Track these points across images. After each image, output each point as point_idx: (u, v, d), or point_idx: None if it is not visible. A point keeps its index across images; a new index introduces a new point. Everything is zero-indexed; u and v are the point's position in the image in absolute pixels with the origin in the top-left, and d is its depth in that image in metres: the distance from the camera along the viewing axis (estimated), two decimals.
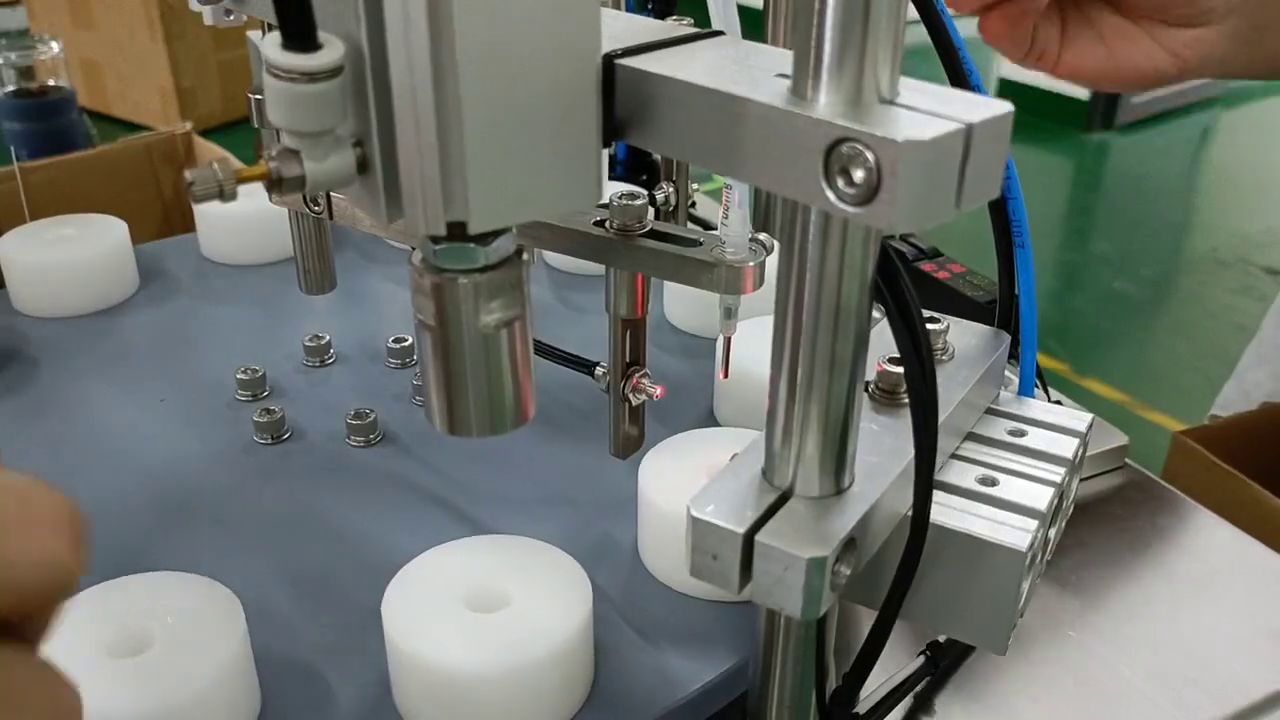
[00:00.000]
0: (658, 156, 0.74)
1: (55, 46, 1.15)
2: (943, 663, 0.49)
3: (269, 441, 0.57)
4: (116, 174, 1.07)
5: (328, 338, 0.65)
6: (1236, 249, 3.01)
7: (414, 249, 0.33)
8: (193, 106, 3.08)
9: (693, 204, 0.79)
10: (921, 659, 0.49)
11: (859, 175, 0.27)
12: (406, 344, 0.64)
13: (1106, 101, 3.82)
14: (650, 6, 0.84)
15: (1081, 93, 3.84)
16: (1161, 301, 2.82)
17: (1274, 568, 0.58)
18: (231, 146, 1.13)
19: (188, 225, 1.11)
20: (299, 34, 0.27)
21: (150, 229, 1.07)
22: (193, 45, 3.08)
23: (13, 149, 0.88)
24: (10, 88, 1.13)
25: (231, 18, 0.49)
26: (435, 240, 0.32)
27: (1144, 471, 0.65)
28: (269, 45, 0.28)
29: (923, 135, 0.26)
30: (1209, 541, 0.60)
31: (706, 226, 0.69)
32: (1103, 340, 2.63)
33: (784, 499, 0.34)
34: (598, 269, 0.71)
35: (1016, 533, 0.36)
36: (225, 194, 0.29)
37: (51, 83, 1.15)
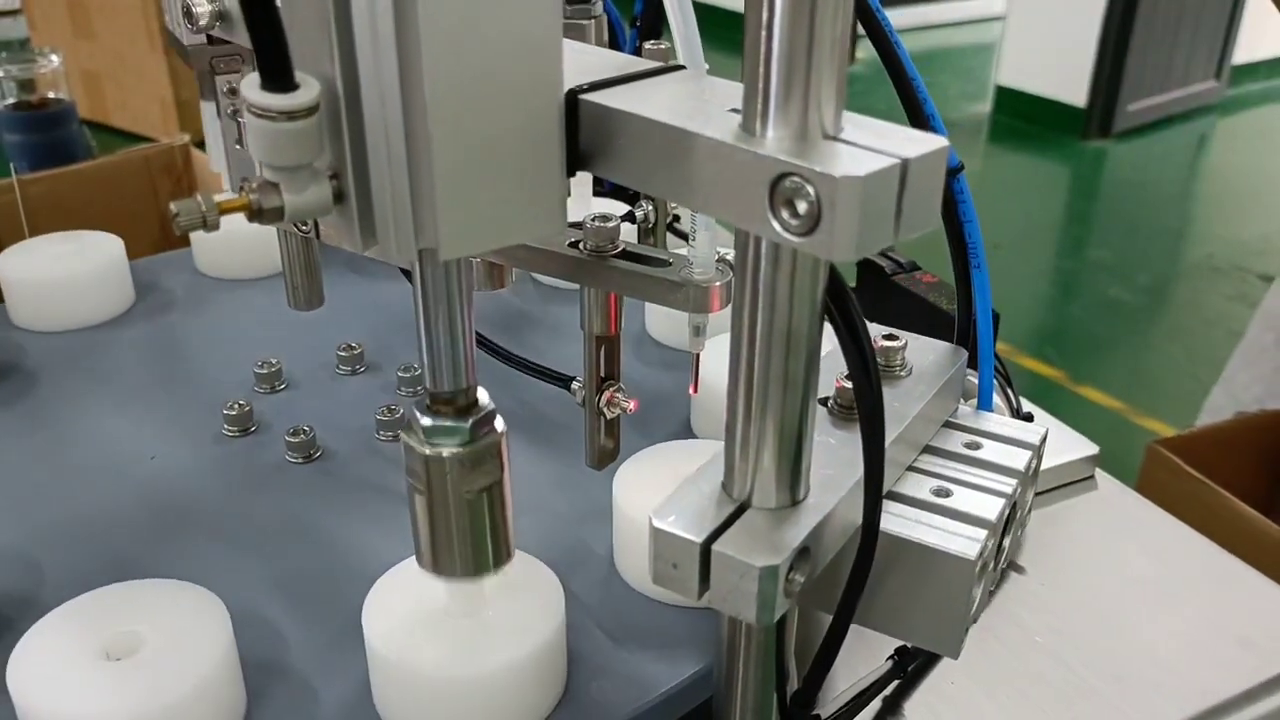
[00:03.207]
0: None
1: (55, 59, 1.17)
2: (910, 667, 0.51)
3: (299, 460, 0.59)
4: (115, 186, 1.09)
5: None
6: (1233, 256, 3.02)
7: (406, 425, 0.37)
8: (192, 117, 3.10)
9: (676, 218, 0.80)
10: (889, 663, 0.50)
11: (802, 207, 0.28)
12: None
13: (1103, 108, 3.84)
14: (637, 26, 0.86)
15: (1078, 100, 3.85)
16: (1158, 309, 2.84)
17: (1241, 576, 0.59)
18: None
19: (185, 237, 1.13)
20: (277, 75, 0.29)
21: (149, 239, 1.08)
22: None
23: (13, 162, 0.89)
24: (10, 100, 1.15)
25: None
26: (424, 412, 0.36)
27: (1114, 481, 0.67)
28: (249, 86, 0.29)
29: (859, 171, 0.28)
30: (1178, 550, 0.61)
31: (686, 238, 0.70)
32: (1099, 347, 2.65)
33: (741, 510, 0.36)
34: None
35: (966, 542, 0.38)
36: (208, 224, 0.31)
37: (52, 95, 1.17)
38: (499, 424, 0.37)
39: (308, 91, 0.30)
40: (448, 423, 0.36)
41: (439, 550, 0.38)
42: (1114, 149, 3.73)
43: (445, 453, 0.36)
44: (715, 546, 0.34)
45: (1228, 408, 1.00)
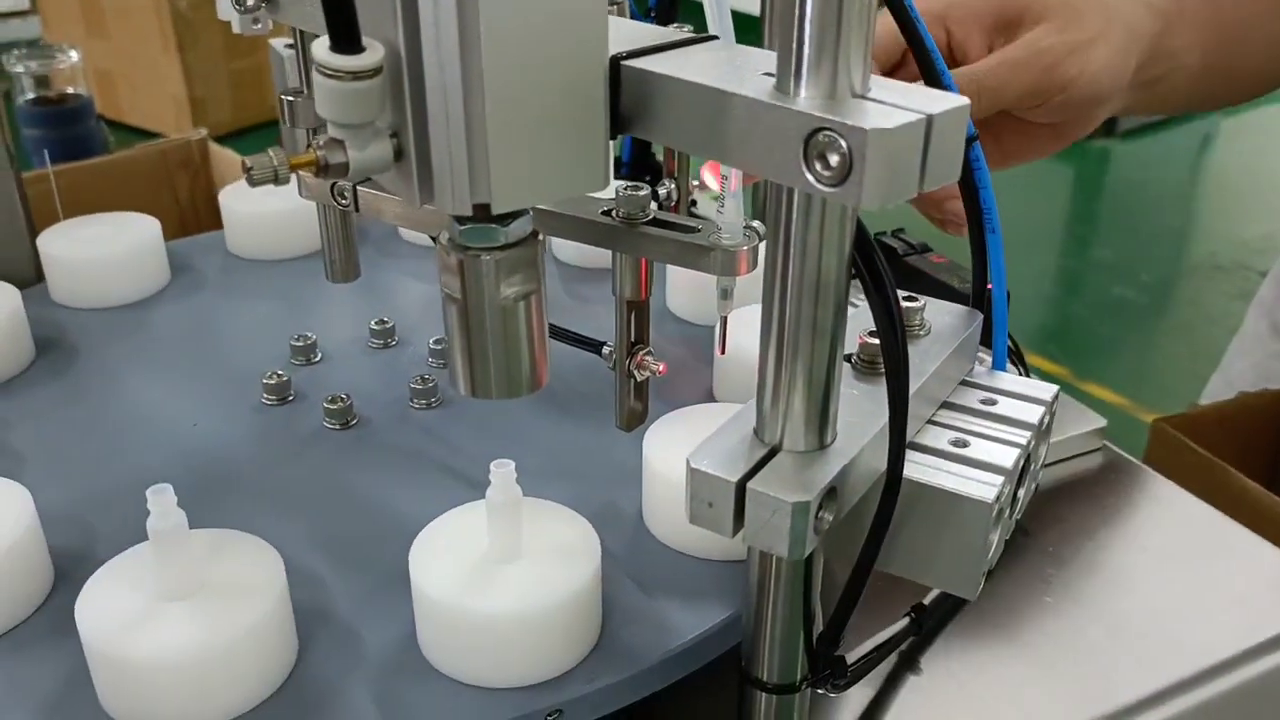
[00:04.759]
0: (660, 157, 0.78)
1: (74, 55, 1.20)
2: (927, 624, 0.53)
3: (336, 427, 0.61)
4: (134, 179, 1.11)
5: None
6: (1235, 254, 3.04)
7: (441, 231, 0.37)
8: (204, 115, 3.13)
9: (694, 202, 0.82)
10: (906, 620, 0.52)
11: (834, 160, 0.31)
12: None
13: None
14: (651, 15, 0.88)
15: None
16: (1161, 307, 2.85)
17: (1242, 540, 0.62)
18: (243, 154, 1.17)
19: (202, 227, 1.15)
20: (345, 38, 0.31)
21: (167, 232, 1.11)
22: (204, 55, 3.13)
23: (46, 153, 0.91)
24: (30, 95, 1.18)
25: (258, 26, 0.53)
26: (460, 221, 0.36)
27: (1121, 453, 0.69)
28: (319, 48, 0.32)
29: (888, 124, 0.30)
30: (1181, 516, 0.64)
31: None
32: (1103, 345, 2.66)
33: (773, 453, 0.38)
34: (602, 263, 0.75)
35: (984, 487, 0.40)
36: (280, 178, 0.33)
37: (70, 90, 1.19)
38: (538, 237, 0.37)
39: (373, 54, 0.32)
40: (484, 226, 0.36)
41: (474, 365, 0.38)
42: (1117, 148, 3.75)
43: (483, 256, 0.36)
44: (750, 485, 0.36)
45: (1224, 395, 1.02)
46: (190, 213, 1.18)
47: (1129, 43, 0.59)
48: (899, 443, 0.37)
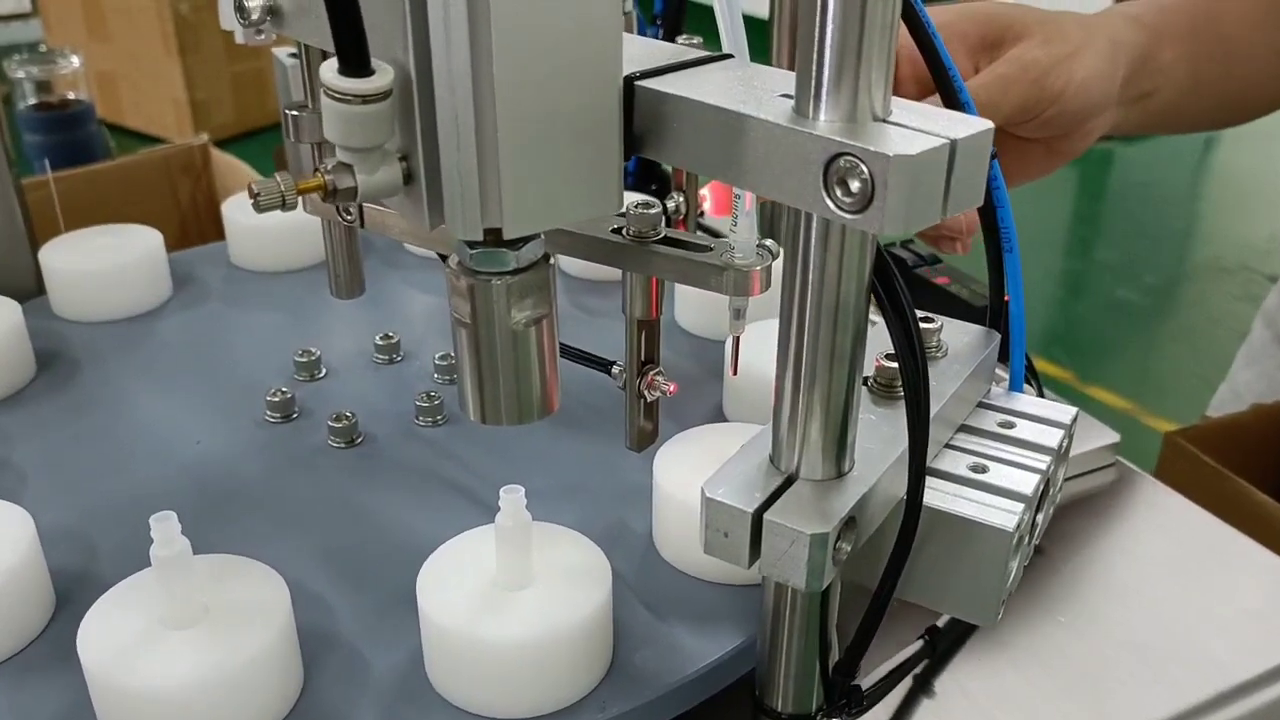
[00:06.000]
0: (668, 168, 0.77)
1: (75, 61, 1.19)
2: (940, 646, 0.52)
3: (341, 444, 0.60)
4: (136, 184, 1.11)
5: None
6: (1240, 256, 3.03)
7: (451, 254, 0.37)
8: (206, 119, 3.13)
9: (702, 212, 0.82)
10: (920, 643, 0.52)
11: (855, 186, 0.30)
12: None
13: None
14: (658, 23, 0.88)
15: None
16: (1165, 309, 2.84)
17: (1254, 556, 0.61)
18: (245, 157, 1.17)
19: (204, 233, 1.14)
20: (354, 61, 0.31)
21: (169, 238, 1.10)
22: (206, 58, 3.13)
23: (47, 160, 0.91)
24: (31, 100, 1.17)
25: (262, 36, 0.52)
26: (471, 245, 0.35)
27: (1133, 468, 0.68)
28: (327, 70, 0.31)
29: (911, 150, 0.29)
30: (1194, 532, 0.63)
31: (713, 234, 0.72)
32: (1107, 348, 2.66)
33: (789, 482, 0.37)
34: (610, 275, 0.74)
35: (1004, 514, 0.40)
36: (286, 204, 0.32)
37: (71, 95, 1.18)
38: (549, 260, 0.37)
39: (382, 77, 0.31)
40: (495, 250, 0.35)
41: (484, 391, 0.37)
42: (1121, 150, 3.74)
43: (494, 281, 0.35)
44: (767, 515, 0.35)
45: (1232, 405, 1.02)
46: (192, 218, 1.17)
47: (1114, 53, 0.60)
48: (919, 471, 0.36)
